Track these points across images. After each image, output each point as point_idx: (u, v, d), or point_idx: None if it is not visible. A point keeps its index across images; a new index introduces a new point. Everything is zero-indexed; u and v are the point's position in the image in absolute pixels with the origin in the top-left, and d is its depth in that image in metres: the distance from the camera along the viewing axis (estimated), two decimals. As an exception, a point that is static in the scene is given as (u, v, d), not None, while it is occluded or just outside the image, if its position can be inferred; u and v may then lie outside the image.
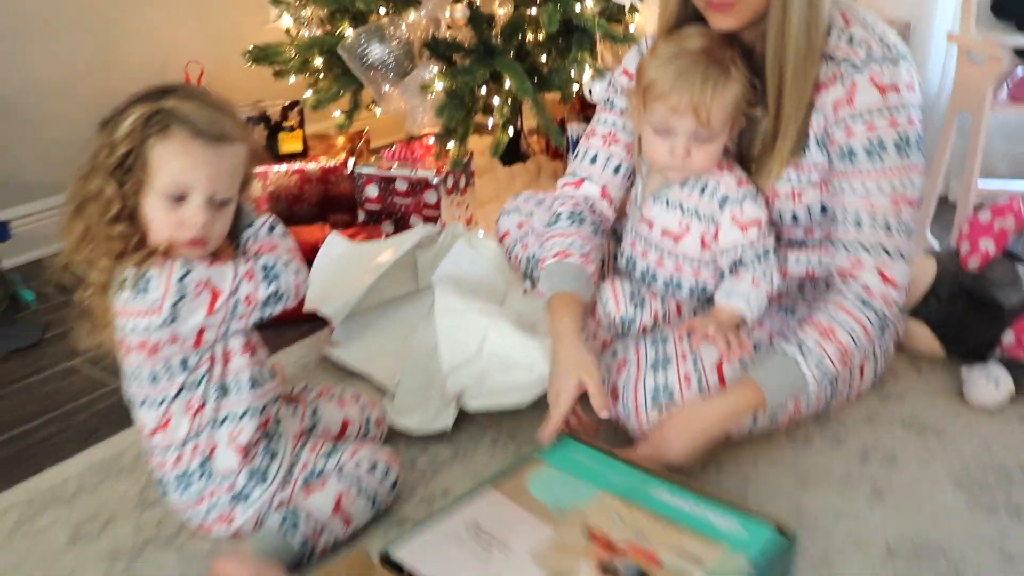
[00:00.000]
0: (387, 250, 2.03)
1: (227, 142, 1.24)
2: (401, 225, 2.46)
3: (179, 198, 1.21)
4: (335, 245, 2.07)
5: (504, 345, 1.66)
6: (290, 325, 2.03)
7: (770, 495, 1.45)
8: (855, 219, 1.44)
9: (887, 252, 1.42)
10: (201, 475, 1.32)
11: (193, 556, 1.34)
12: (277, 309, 1.31)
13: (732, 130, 1.49)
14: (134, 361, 1.28)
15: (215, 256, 1.29)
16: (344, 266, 2.02)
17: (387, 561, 1.14)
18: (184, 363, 1.28)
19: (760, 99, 1.47)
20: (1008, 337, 1.71)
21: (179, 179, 1.20)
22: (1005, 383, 1.65)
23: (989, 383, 1.65)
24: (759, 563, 1.12)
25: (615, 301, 1.61)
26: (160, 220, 1.21)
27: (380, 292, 1.99)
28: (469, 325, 1.69)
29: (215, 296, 1.24)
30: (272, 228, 1.35)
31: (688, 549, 1.14)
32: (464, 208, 2.55)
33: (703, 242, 1.56)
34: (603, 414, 1.44)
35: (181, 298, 1.22)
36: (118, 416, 1.74)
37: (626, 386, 1.47)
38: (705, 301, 1.64)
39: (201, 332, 1.26)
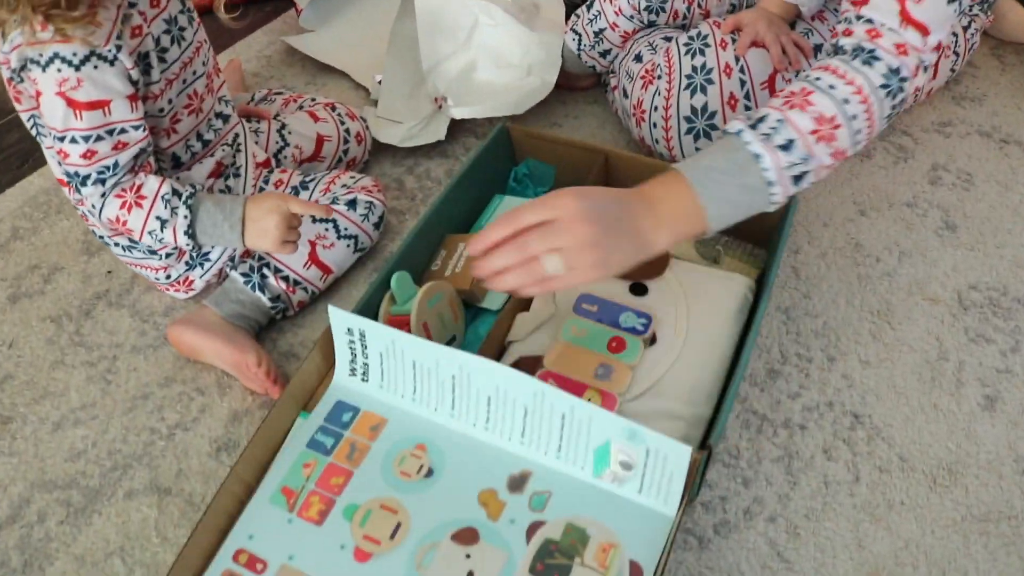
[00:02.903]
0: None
1: None
2: None
3: None
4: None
5: (496, 35, 1.35)
6: (251, 4, 1.69)
7: (823, 223, 1.24)
8: None
9: None
10: (137, 247, 1.10)
11: (150, 314, 1.16)
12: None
13: None
14: None
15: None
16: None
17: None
18: None
19: None
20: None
21: None
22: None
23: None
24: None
25: (642, -21, 1.29)
26: None
27: (354, -39, 1.63)
28: (455, 7, 1.36)
29: (37, 95, 0.94)
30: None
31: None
32: None
33: None
34: None
35: (20, 68, 0.94)
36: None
37: (655, 105, 1.20)
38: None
39: None
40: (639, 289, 1.04)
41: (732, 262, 1.08)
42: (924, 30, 0.85)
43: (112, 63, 0.94)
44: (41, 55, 0.91)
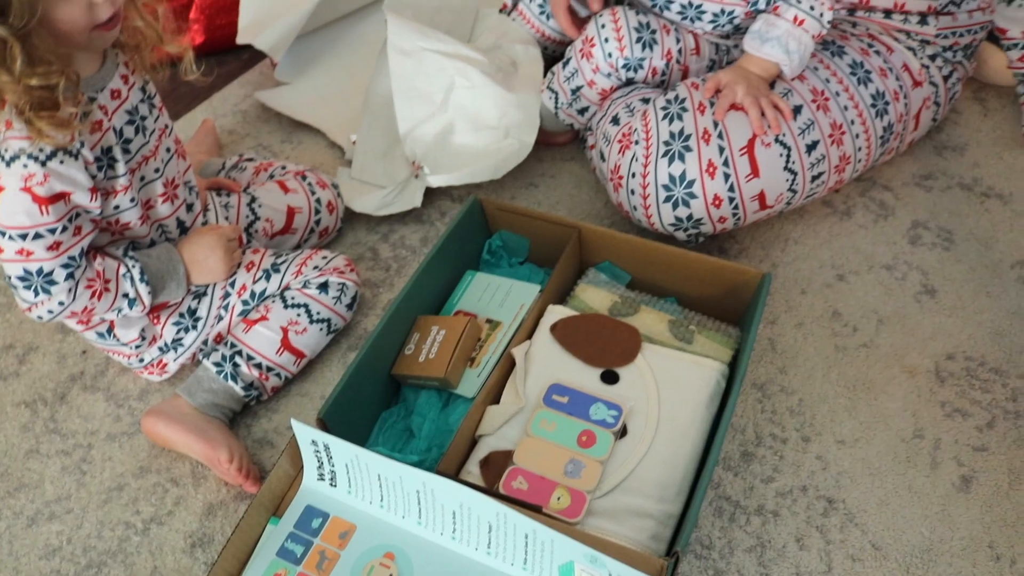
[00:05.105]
0: (334, -48, 1.62)
1: None
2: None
3: None
4: (270, -55, 1.65)
5: (473, 97, 1.34)
6: (229, 53, 1.67)
7: (801, 289, 1.23)
8: None
9: None
10: (107, 337, 1.10)
11: (125, 398, 1.16)
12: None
13: None
14: None
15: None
16: (282, -24, 1.62)
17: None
18: None
19: None
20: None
21: None
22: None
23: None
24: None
25: (617, 40, 1.27)
26: (68, 16, 0.87)
27: (330, 7, 1.61)
28: (431, 69, 1.35)
29: None
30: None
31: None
32: None
33: (734, -42, 1.20)
34: (595, 6, 1.32)
35: None
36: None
37: (632, 172, 1.18)
38: (731, 31, 1.30)
39: None
40: (610, 377, 1.03)
41: (706, 342, 1.07)
42: None
43: (76, 157, 0.93)
44: (6, 151, 0.90)
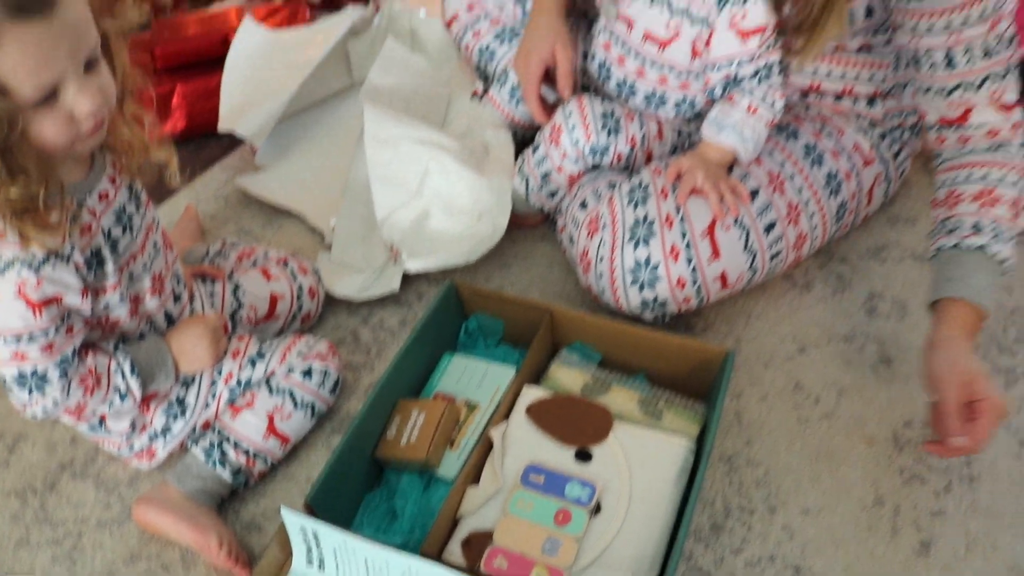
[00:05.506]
0: (312, 42, 1.69)
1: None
2: (331, 1, 2.04)
3: (52, 93, 0.89)
4: (250, 34, 1.72)
5: (447, 183, 1.40)
6: (209, 137, 1.73)
7: (764, 364, 1.28)
8: (944, 60, 1.16)
9: (995, 77, 1.16)
10: (99, 429, 1.15)
11: (115, 485, 1.19)
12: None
13: None
14: None
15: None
16: (262, 65, 1.68)
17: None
18: None
19: None
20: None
21: (40, 77, 0.87)
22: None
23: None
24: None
25: (584, 127, 1.34)
26: (49, 131, 0.90)
27: (308, 92, 1.68)
28: (406, 156, 1.41)
29: None
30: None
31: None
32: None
33: (694, 50, 1.27)
34: (566, 93, 1.40)
35: None
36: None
37: (600, 256, 1.25)
38: (692, 117, 1.38)
39: None
40: (584, 455, 1.08)
41: (674, 419, 1.12)
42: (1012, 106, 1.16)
43: (67, 261, 0.97)
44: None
